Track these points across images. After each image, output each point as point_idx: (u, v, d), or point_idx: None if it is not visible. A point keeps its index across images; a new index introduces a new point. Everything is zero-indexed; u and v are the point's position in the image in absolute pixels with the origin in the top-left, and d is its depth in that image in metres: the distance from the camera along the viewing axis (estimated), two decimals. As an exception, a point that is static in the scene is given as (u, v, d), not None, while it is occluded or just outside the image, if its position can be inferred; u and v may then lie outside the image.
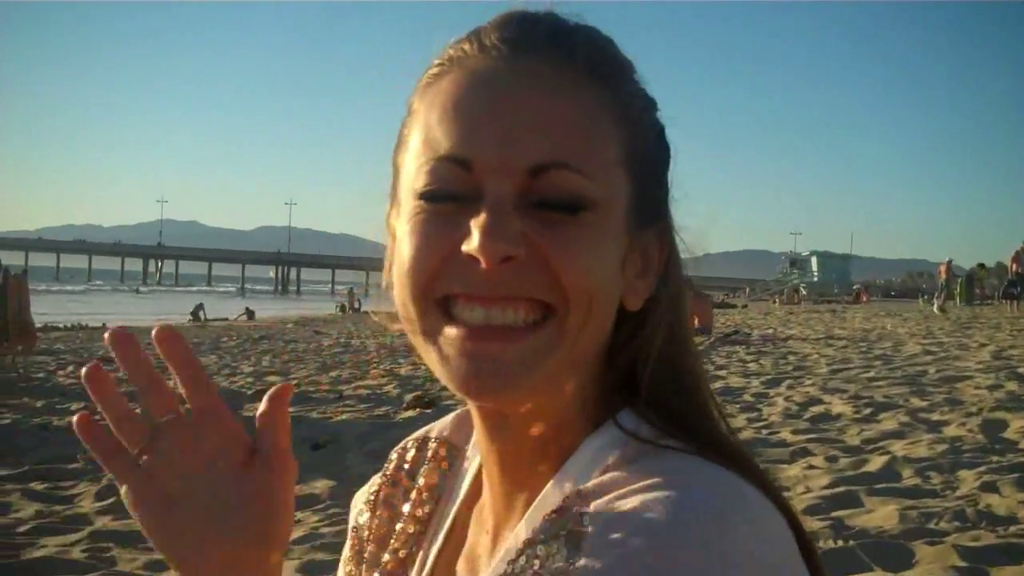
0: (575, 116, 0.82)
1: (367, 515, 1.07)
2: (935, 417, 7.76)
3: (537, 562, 0.75)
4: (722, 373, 11.57)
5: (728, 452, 0.83)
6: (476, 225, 0.79)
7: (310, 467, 6.63)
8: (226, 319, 35.76)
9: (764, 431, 7.45)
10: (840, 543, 4.30)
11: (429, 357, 0.85)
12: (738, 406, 8.74)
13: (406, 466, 1.07)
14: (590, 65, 0.85)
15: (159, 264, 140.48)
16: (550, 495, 0.84)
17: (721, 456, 0.81)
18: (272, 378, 12.69)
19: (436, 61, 0.88)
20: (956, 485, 5.43)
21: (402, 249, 0.85)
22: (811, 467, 6.03)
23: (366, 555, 1.05)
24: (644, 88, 0.91)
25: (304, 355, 16.75)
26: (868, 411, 8.17)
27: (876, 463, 6.02)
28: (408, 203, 0.85)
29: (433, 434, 1.08)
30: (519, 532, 0.85)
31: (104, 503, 5.86)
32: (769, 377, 11.00)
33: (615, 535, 0.71)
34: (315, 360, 15.47)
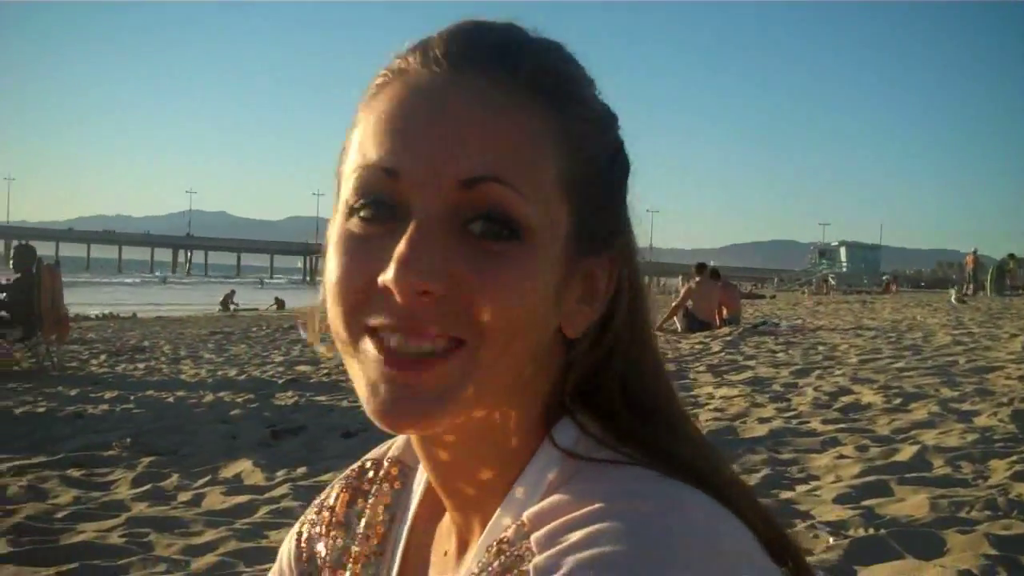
0: (512, 134, 0.79)
1: (321, 527, 1.07)
2: (966, 407, 7.71)
3: None
4: (751, 363, 11.54)
5: (680, 462, 0.81)
6: (395, 255, 0.76)
7: (342, 455, 6.69)
8: (256, 309, 35.96)
9: (794, 421, 7.44)
10: (871, 531, 4.30)
11: (357, 380, 0.82)
12: (767, 395, 8.72)
13: (364, 486, 1.06)
14: (534, 83, 0.81)
15: (188, 255, 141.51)
16: (498, 522, 0.84)
17: (669, 466, 0.80)
18: (303, 367, 12.78)
19: (382, 71, 0.86)
20: (987, 475, 5.41)
21: (329, 269, 0.82)
22: (842, 456, 6.01)
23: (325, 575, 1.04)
24: (601, 106, 0.87)
25: (335, 344, 16.79)
26: (898, 401, 8.12)
27: (907, 453, 6.00)
28: (339, 215, 0.83)
29: (389, 454, 1.07)
30: (471, 565, 0.84)
31: (140, 490, 5.95)
32: (798, 367, 10.94)
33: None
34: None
